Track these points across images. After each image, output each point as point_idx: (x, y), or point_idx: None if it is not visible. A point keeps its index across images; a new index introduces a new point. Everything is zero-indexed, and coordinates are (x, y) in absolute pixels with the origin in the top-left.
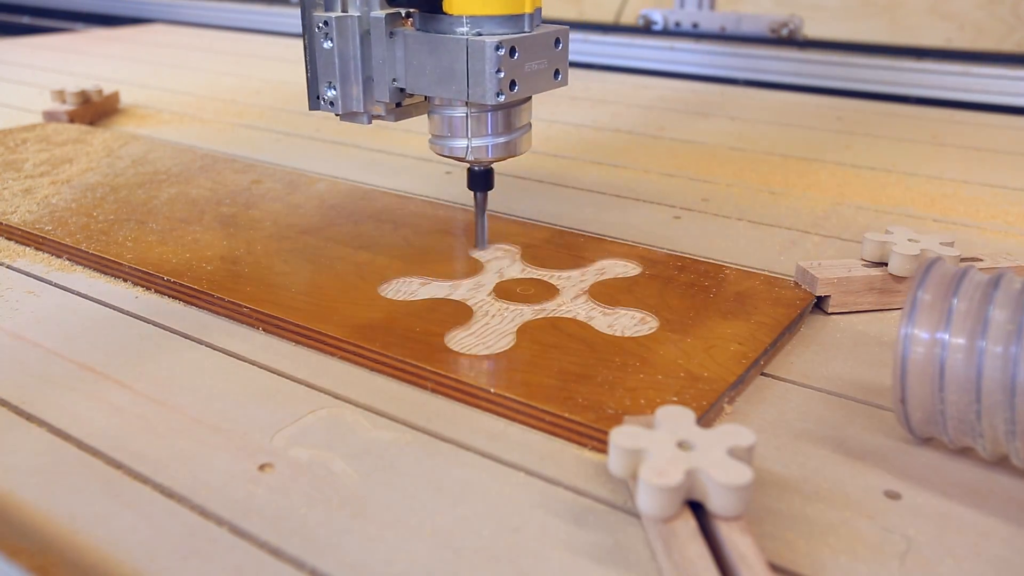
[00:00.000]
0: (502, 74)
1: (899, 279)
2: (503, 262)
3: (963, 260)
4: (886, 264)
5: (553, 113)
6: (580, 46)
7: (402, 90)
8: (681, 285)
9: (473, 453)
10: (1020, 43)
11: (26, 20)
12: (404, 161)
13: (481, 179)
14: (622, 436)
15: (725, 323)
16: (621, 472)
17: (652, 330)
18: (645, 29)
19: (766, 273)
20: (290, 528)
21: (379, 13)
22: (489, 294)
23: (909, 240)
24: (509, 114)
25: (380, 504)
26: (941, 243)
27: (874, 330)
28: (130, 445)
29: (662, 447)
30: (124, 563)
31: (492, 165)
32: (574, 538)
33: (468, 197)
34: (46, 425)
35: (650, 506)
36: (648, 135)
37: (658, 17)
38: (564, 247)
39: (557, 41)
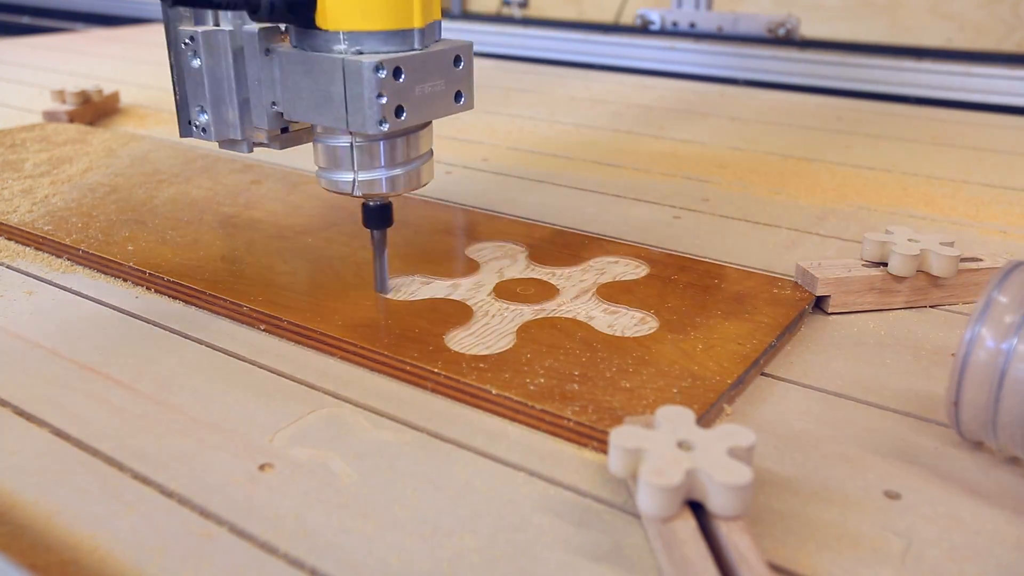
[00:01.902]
0: (384, 99)
1: (899, 279)
2: (503, 262)
3: (963, 260)
4: (886, 264)
5: (553, 113)
6: (580, 46)
7: (282, 114)
8: (681, 285)
9: (473, 453)
10: (1020, 43)
11: (26, 20)
12: None
13: (377, 216)
14: (622, 436)
15: (725, 323)
16: (621, 472)
17: (652, 330)
18: (643, 29)
19: (766, 273)
20: (290, 528)
21: (253, 27)
22: (489, 294)
23: (909, 240)
24: (405, 142)
25: (380, 504)
26: (941, 243)
27: (874, 330)
28: (130, 445)
29: (662, 447)
30: (124, 563)
31: (391, 199)
32: (574, 538)
33: (468, 197)
34: (47, 425)
35: (650, 506)
36: (648, 135)
37: (655, 17)
38: (564, 247)
39: (457, 59)
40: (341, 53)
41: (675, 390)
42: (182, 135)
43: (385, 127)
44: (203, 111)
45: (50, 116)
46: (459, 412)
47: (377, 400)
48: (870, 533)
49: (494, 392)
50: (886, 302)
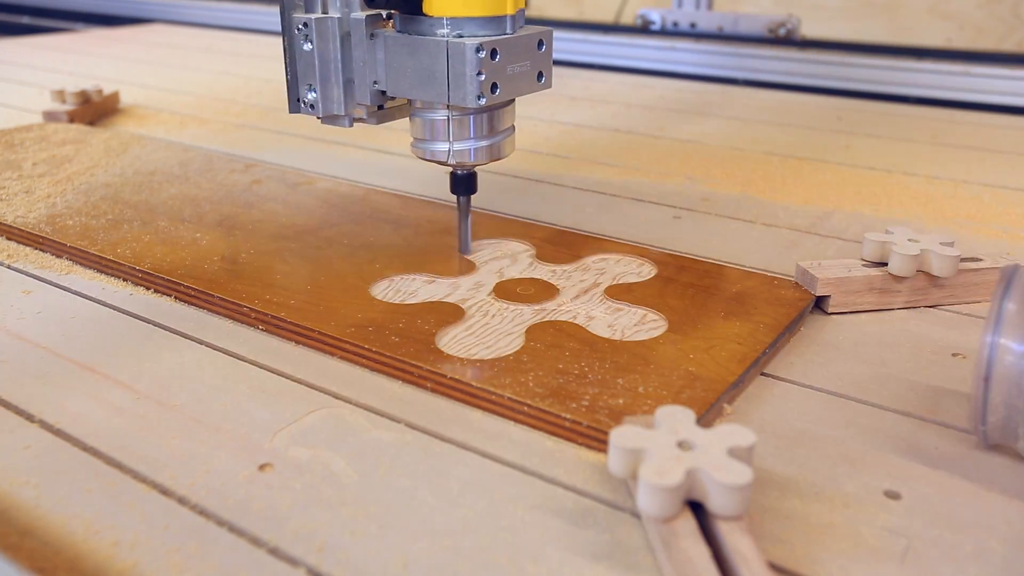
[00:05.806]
0: (483, 76)
1: (899, 279)
2: (503, 262)
3: (963, 260)
4: (886, 264)
5: (553, 113)
6: (580, 46)
7: (383, 92)
8: (681, 285)
9: (473, 453)
10: (1020, 43)
11: (26, 20)
12: (404, 161)
13: (464, 183)
14: (622, 436)
15: (725, 323)
16: (621, 472)
17: (652, 330)
18: (643, 29)
19: (766, 273)
20: (290, 528)
21: (359, 14)
22: (489, 294)
23: (909, 240)
24: (492, 117)
25: (380, 504)
26: (941, 243)
27: (874, 330)
28: (130, 445)
29: (662, 447)
30: (124, 563)
31: (475, 168)
32: (574, 538)
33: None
34: (46, 425)
35: (650, 506)
36: (648, 135)
37: (656, 17)
38: (564, 247)
39: (540, 43)
40: (444, 36)
41: (675, 390)
42: (291, 111)
43: (482, 101)
44: (312, 89)
45: (50, 116)
46: (459, 412)
47: (377, 400)
48: (870, 533)
49: (494, 392)
50: (886, 302)
